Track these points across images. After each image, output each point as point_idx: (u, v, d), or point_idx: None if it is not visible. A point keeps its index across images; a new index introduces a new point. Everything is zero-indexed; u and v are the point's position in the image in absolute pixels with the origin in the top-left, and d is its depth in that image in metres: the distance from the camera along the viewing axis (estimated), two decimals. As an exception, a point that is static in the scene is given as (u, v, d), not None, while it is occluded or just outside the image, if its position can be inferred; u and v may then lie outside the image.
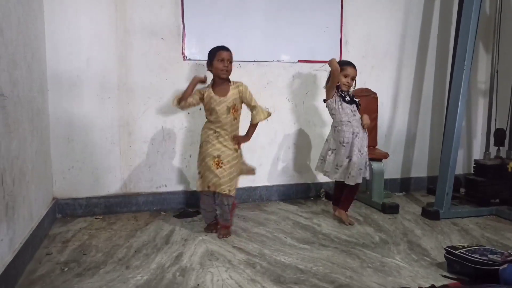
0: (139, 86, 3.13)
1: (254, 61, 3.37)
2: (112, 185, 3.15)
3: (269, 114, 2.67)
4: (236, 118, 2.62)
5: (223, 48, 2.57)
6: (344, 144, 2.86)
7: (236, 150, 2.61)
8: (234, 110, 2.59)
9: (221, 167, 2.55)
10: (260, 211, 3.23)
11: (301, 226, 2.88)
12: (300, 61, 3.48)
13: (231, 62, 2.57)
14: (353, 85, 2.93)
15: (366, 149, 2.90)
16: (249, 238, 2.63)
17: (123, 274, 2.11)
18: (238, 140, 2.64)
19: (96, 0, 2.98)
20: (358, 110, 2.91)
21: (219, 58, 2.53)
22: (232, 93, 2.58)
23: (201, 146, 2.65)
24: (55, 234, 2.68)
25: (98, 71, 3.04)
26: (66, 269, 2.16)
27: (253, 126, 2.67)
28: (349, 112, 2.87)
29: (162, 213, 3.17)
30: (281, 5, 3.38)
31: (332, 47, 3.54)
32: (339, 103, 2.88)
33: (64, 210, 3.05)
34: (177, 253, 2.37)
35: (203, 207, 2.70)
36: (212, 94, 2.56)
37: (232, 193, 2.59)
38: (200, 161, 2.64)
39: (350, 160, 2.84)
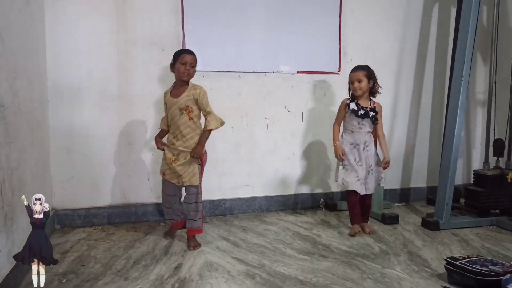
0: (139, 96, 3.14)
1: (254, 72, 3.39)
2: (111, 196, 3.15)
3: (222, 123, 2.60)
4: (193, 118, 2.56)
5: (186, 51, 2.58)
6: (346, 155, 2.90)
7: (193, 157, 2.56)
8: (188, 111, 2.55)
9: (177, 162, 2.57)
10: (260, 222, 3.22)
11: (301, 236, 2.87)
12: (299, 72, 3.50)
13: (193, 66, 2.56)
14: (369, 84, 2.86)
15: (372, 166, 2.88)
16: (249, 249, 2.62)
17: (121, 285, 2.09)
18: (193, 155, 2.55)
19: (96, 11, 3.01)
20: (373, 124, 2.89)
21: (181, 61, 2.53)
22: (186, 95, 2.56)
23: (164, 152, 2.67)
24: (54, 245, 2.66)
25: (99, 82, 3.05)
26: (64, 280, 2.14)
27: (205, 132, 2.58)
28: (355, 123, 2.89)
29: (162, 223, 3.16)
30: (280, 17, 3.41)
31: (331, 58, 3.57)
32: (349, 113, 2.90)
33: (63, 221, 3.04)
34: (176, 264, 2.36)
35: (164, 203, 2.75)
36: (169, 95, 2.61)
37: (195, 183, 2.58)
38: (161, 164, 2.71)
39: (344, 168, 2.91)
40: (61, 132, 3.00)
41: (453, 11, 3.82)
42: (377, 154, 2.95)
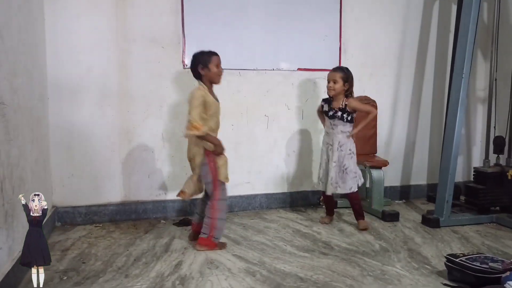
0: (139, 94, 3.14)
1: (254, 70, 3.38)
2: (111, 193, 3.15)
3: None
4: None
5: (216, 53, 2.56)
6: (322, 150, 3.08)
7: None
8: None
9: None
10: (260, 219, 3.22)
11: (301, 234, 2.88)
12: (299, 69, 3.50)
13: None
14: (344, 87, 2.89)
15: (347, 166, 2.93)
16: (249, 246, 2.62)
17: (122, 283, 2.10)
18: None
19: (96, 8, 3.00)
20: (346, 122, 2.92)
21: (216, 63, 2.51)
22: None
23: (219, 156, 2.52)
24: (54, 242, 2.67)
25: (98, 79, 3.05)
26: (65, 277, 2.15)
27: None
28: (328, 124, 3.01)
29: (162, 221, 3.16)
30: (280, 14, 3.41)
31: (331, 56, 3.56)
32: (324, 115, 3.03)
33: (64, 218, 3.04)
34: (177, 262, 2.36)
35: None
36: (213, 98, 2.51)
37: None
38: (220, 168, 2.52)
39: (320, 167, 3.06)
40: (61, 129, 2.99)
41: (454, 8, 3.81)
42: (353, 154, 2.97)
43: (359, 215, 3.01)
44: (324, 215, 3.20)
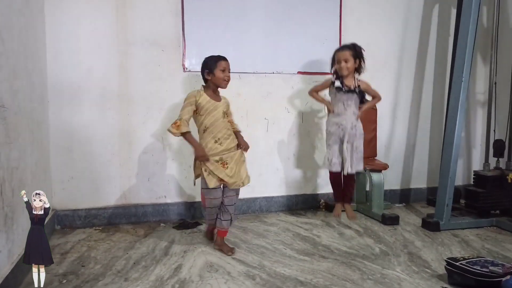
0: (139, 96, 3.14)
1: (254, 73, 3.39)
2: (111, 196, 3.14)
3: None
4: (230, 123, 2.65)
5: (223, 58, 2.56)
6: (329, 131, 2.90)
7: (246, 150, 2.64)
8: (227, 115, 2.60)
9: (227, 166, 2.52)
10: (260, 222, 3.22)
11: (301, 237, 2.87)
12: (299, 72, 3.50)
13: (229, 72, 2.58)
14: (355, 64, 2.83)
15: (359, 146, 2.86)
16: (249, 250, 2.61)
17: (121, 286, 2.09)
18: (246, 147, 2.63)
19: (97, 11, 3.01)
20: (360, 101, 2.88)
21: (221, 67, 2.52)
22: (224, 101, 2.61)
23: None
24: (54, 245, 2.67)
25: (99, 82, 3.05)
26: (64, 281, 2.14)
27: (240, 133, 2.68)
28: (340, 105, 2.85)
29: (162, 224, 3.16)
30: (280, 17, 3.41)
31: (331, 59, 3.56)
32: (334, 94, 2.88)
33: (63, 222, 3.04)
34: (176, 265, 2.36)
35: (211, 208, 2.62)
36: (208, 98, 2.53)
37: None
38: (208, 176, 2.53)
39: (330, 149, 2.88)
40: (61, 132, 3.00)
41: (453, 11, 3.82)
42: (362, 135, 2.90)
43: (349, 199, 2.99)
44: (334, 210, 3.03)
